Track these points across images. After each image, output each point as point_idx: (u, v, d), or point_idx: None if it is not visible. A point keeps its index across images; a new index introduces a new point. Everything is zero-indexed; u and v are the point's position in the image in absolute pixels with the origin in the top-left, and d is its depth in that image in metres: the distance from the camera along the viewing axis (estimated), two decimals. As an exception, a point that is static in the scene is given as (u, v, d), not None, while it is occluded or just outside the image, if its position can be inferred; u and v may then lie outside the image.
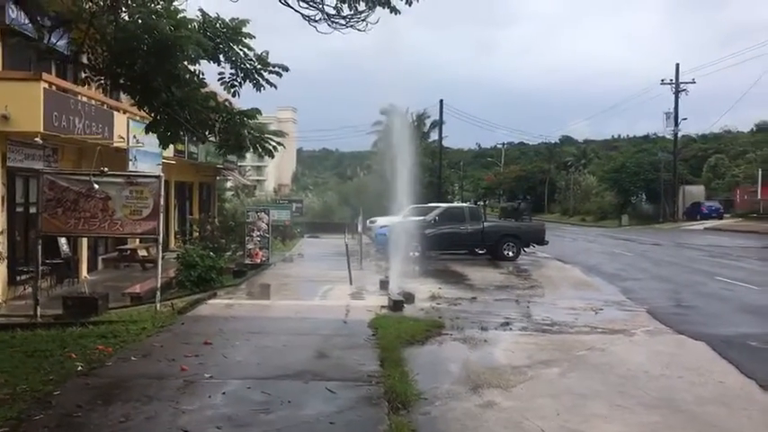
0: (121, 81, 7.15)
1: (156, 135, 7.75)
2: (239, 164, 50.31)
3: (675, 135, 54.77)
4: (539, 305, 13.33)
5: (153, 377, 7.35)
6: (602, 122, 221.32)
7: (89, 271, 19.73)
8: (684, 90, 52.43)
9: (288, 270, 19.58)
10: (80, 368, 7.69)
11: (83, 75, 7.44)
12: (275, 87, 7.93)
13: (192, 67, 7.50)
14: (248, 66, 7.85)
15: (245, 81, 7.90)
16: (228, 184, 51.31)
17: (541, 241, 23.43)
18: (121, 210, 11.47)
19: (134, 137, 19.19)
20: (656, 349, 9.39)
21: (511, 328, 10.88)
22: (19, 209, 15.82)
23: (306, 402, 6.55)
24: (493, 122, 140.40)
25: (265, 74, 7.82)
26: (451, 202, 40.33)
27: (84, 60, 7.26)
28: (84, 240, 18.32)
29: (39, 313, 11.82)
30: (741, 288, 15.82)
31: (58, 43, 7.93)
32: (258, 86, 7.83)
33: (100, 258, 21.19)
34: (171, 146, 22.66)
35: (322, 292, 14.80)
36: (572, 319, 11.76)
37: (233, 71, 7.90)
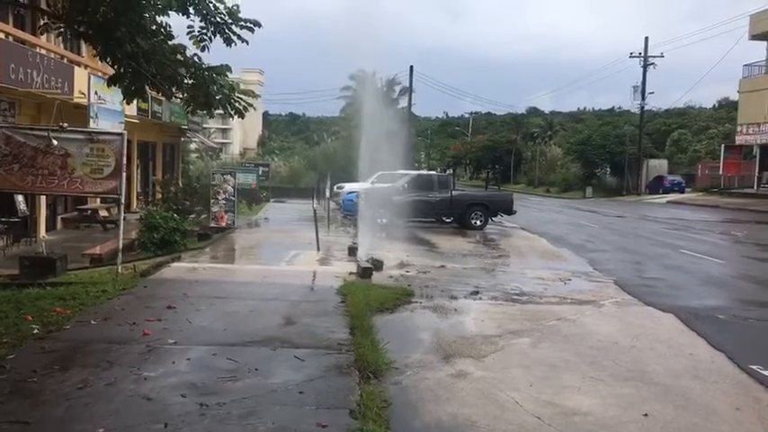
0: (82, 29, 6.71)
1: (120, 89, 7.35)
2: (204, 126, 49.40)
3: (642, 109, 55.27)
4: (507, 274, 13.30)
5: (113, 342, 7.06)
6: (568, 94, 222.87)
7: (47, 230, 19.13)
8: (653, 64, 52.78)
9: (254, 234, 19.26)
10: (36, 331, 7.36)
11: (41, 22, 6.95)
12: (247, 43, 7.56)
13: (159, 19, 7.09)
14: (219, 19, 7.45)
15: (215, 35, 7.51)
16: (193, 146, 50.35)
17: (509, 211, 23.44)
18: (81, 168, 11.00)
19: (95, 93, 18.51)
20: (626, 320, 9.40)
21: (481, 298, 10.80)
22: (-27, 164, 15.17)
23: (273, 370, 6.35)
24: (461, 90, 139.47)
25: (236, 29, 7.44)
26: (420, 170, 40.21)
27: (43, 6, 6.79)
28: (43, 199, 17.71)
29: (-7, 273, 11.36)
30: (705, 261, 16.03)
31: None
32: (229, 41, 7.44)
33: (59, 218, 20.56)
34: (134, 104, 22.30)
35: (289, 257, 14.54)
36: (541, 289, 11.74)
37: (202, 24, 7.50)
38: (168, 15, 7.15)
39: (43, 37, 18.81)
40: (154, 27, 7.01)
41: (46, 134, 10.83)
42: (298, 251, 15.30)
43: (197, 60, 7.31)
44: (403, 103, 59.02)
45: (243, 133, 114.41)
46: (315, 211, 17.50)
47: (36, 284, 10.31)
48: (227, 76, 7.36)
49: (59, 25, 6.83)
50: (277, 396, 5.63)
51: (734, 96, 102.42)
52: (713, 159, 62.31)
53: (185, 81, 7.45)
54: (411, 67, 52.82)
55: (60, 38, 20.77)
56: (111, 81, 7.12)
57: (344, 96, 67.03)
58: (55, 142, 10.76)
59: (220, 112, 7.83)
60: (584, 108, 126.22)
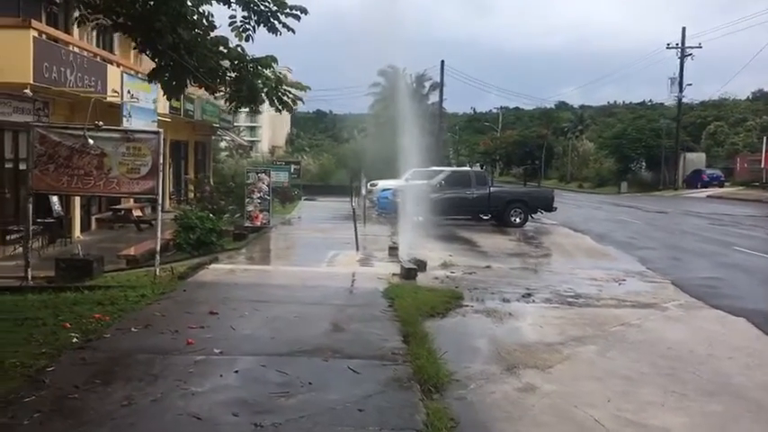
0: (121, 20, 6.31)
1: (156, 87, 6.94)
2: (234, 124, 49.24)
3: (680, 101, 53.90)
4: (557, 275, 12.70)
5: (156, 352, 6.66)
6: (598, 88, 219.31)
7: (82, 231, 18.99)
8: (690, 55, 51.41)
9: (290, 234, 18.88)
10: (75, 340, 7.00)
11: (77, 13, 6.56)
12: (293, 32, 7.09)
13: (201, 8, 6.65)
14: (263, 7, 7.00)
15: (258, 25, 7.06)
16: (222, 144, 50.26)
17: (549, 208, 22.76)
18: (118, 167, 10.66)
19: (128, 91, 18.30)
20: (695, 325, 8.78)
21: (534, 300, 10.24)
22: (8, 165, 15.02)
23: (328, 384, 5.89)
24: (489, 84, 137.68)
25: (282, 17, 6.98)
26: (452, 166, 39.58)
27: (79, -4, 6.42)
28: (77, 199, 17.55)
29: (30, 276, 11.09)
30: (762, 259, 15.25)
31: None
32: (274, 30, 6.98)
33: (93, 218, 20.43)
34: (166, 103, 22.07)
35: (328, 257, 14.09)
36: (596, 290, 11.13)
37: (245, 14, 7.05)
38: (210, 4, 6.72)
39: (76, 35, 18.66)
40: (195, 17, 6.57)
41: (81, 133, 10.50)
42: (336, 251, 14.85)
43: (240, 52, 6.86)
44: (433, 98, 58.36)
45: (271, 131, 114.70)
46: (354, 209, 16.99)
47: (73, 288, 10.01)
48: (272, 67, 6.90)
49: (96, 17, 6.44)
50: (336, 414, 5.16)
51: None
52: (751, 152, 60.70)
53: (228, 74, 7.01)
54: (442, 62, 52.18)
55: (94, 35, 20.74)
56: (152, 76, 6.71)
57: (373, 93, 66.85)
58: (91, 141, 10.43)
59: (266, 106, 7.37)
60: (615, 102, 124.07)
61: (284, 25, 7.09)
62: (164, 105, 21.70)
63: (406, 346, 7.10)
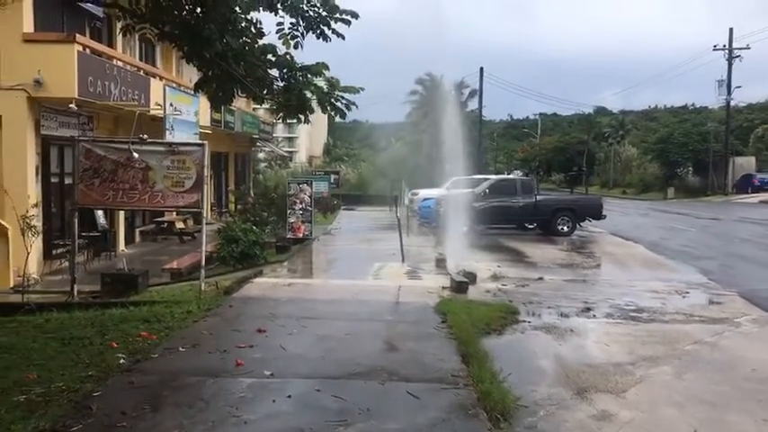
0: (167, 29, 6.06)
1: (200, 99, 6.69)
2: (273, 135, 49.41)
3: (728, 104, 52.32)
4: (615, 287, 12.10)
5: (206, 374, 6.36)
6: (637, 92, 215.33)
7: (126, 244, 19.02)
8: (738, 56, 49.90)
9: (333, 245, 18.57)
10: (122, 361, 6.74)
11: (122, 23, 6.34)
12: (343, 38, 6.76)
13: (249, 15, 6.38)
14: (312, 13, 6.69)
15: (307, 32, 6.76)
16: (260, 155, 50.46)
17: (599, 216, 22.03)
18: (163, 181, 10.48)
19: (171, 104, 18.28)
20: (775, 344, 8.17)
21: (594, 315, 9.71)
22: (54, 179, 15.05)
23: (387, 410, 5.51)
24: (526, 89, 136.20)
25: (332, 22, 6.66)
26: (493, 174, 38.86)
27: (125, 4, 6.19)
28: (121, 213, 17.54)
29: (75, 291, 10.99)
30: (832, 269, 14.41)
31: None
32: (324, 37, 6.67)
33: (137, 231, 20.49)
34: (207, 115, 22.06)
35: (374, 270, 13.72)
36: (659, 304, 10.54)
37: (293, 20, 6.75)
38: (258, 11, 6.44)
39: (119, 49, 18.75)
40: (243, 24, 6.30)
41: (126, 147, 10.36)
42: (382, 263, 14.48)
43: (289, 59, 6.55)
44: (471, 105, 57.78)
45: (309, 141, 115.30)
46: (399, 219, 16.61)
47: (119, 304, 9.84)
48: (323, 75, 6.58)
49: (142, 26, 6.21)
50: (399, 447, 4.78)
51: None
52: (803, 156, 58.72)
53: (276, 84, 6.71)
54: (481, 68, 51.68)
55: (137, 48, 20.85)
56: (198, 86, 6.45)
57: (411, 101, 66.55)
58: (136, 155, 10.28)
59: (316, 113, 7.04)
60: (656, 106, 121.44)
61: (334, 31, 6.77)
62: (205, 118, 21.71)
63: (465, 368, 6.68)
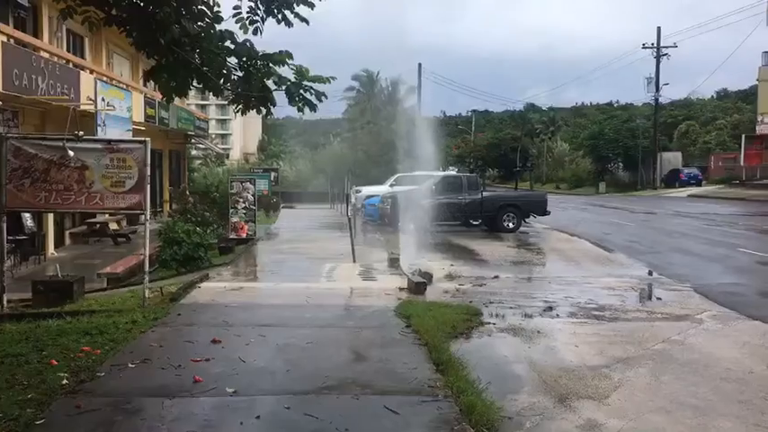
0: (115, 12, 5.43)
1: (157, 86, 6.09)
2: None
3: (657, 101, 54.06)
4: (572, 285, 12.00)
5: (162, 393, 5.77)
6: (564, 90, 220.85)
7: (56, 247, 17.92)
8: (666, 54, 51.52)
9: (279, 245, 17.95)
10: (65, 381, 6.07)
11: (62, 5, 5.66)
12: (307, 22, 6.27)
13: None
14: (272, -5, 6.17)
15: (267, 16, 6.23)
16: (193, 152, 48.95)
17: (543, 212, 22.13)
18: (101, 180, 9.70)
19: (102, 99, 17.28)
20: (741, 340, 8.12)
21: (558, 315, 9.53)
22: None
23: (368, 429, 5.09)
24: (464, 86, 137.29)
25: (294, 5, 6.16)
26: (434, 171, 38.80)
27: (64, -16, 5.52)
28: (51, 214, 16.45)
29: (5, 302, 10.08)
30: (773, 261, 14.76)
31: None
32: (286, 22, 6.16)
33: (67, 233, 19.34)
34: (141, 110, 21.04)
35: (326, 271, 13.24)
36: (618, 301, 10.46)
37: (252, 4, 6.22)
38: (213, -9, 5.87)
39: (46, 40, 17.60)
40: (199, 7, 5.73)
41: (60, 144, 9.53)
42: (333, 263, 14.02)
43: (249, 47, 6.01)
44: (408, 102, 57.63)
45: (243, 138, 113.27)
46: (349, 218, 16.14)
47: (55, 314, 9.05)
48: (286, 64, 6.06)
49: (86, 9, 5.55)
50: (389, 472, 4.36)
51: (732, 87, 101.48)
52: (724, 151, 61.19)
53: (235, 73, 6.16)
54: (419, 64, 51.68)
55: (65, 40, 19.65)
56: (149, 75, 5.83)
57: (347, 97, 65.99)
58: (71, 153, 9.47)
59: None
60: (582, 103, 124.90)
61: (297, 15, 6.26)
62: (139, 113, 20.70)
63: (441, 377, 6.32)
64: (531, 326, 8.79)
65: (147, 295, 10.04)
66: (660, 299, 10.74)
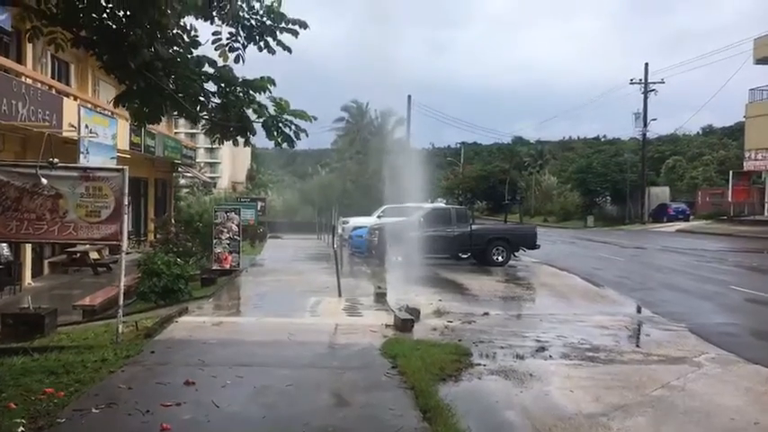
0: (84, 34, 5.10)
1: (128, 112, 5.74)
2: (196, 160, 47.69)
3: (644, 135, 54.27)
4: (564, 323, 11.62)
5: (125, 444, 5.33)
6: (552, 124, 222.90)
7: (33, 276, 17.37)
8: (654, 90, 51.93)
9: (263, 277, 17.48)
10: (21, 429, 5.61)
11: (28, 25, 5.33)
12: (290, 51, 5.97)
13: (182, 21, 5.50)
14: (254, 23, 5.87)
15: (249, 43, 5.93)
16: (181, 181, 48.51)
17: (533, 245, 21.83)
18: (75, 210, 9.29)
19: (86, 126, 16.92)
20: (743, 386, 7.75)
21: (551, 356, 9.13)
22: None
23: (348, 487, 4.66)
24: (453, 117, 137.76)
25: (278, 33, 5.86)
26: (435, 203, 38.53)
27: (32, 3, 5.17)
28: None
29: (-30, 336, 9.58)
30: (765, 299, 14.43)
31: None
32: (269, 49, 5.85)
33: (46, 262, 18.78)
34: (126, 138, 20.67)
35: (310, 305, 12.80)
36: (612, 342, 10.09)
37: (232, 30, 5.92)
38: (191, 14, 5.55)
39: (29, 65, 17.28)
40: (174, 31, 5.41)
41: (33, 171, 9.13)
42: (318, 298, 13.58)
43: (229, 73, 5.69)
44: (397, 133, 57.60)
45: (232, 167, 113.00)
46: (335, 251, 15.74)
47: (21, 350, 8.57)
48: (267, 91, 5.74)
49: (52, 30, 5.21)
50: None
51: (717, 123, 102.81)
52: (710, 186, 61.51)
53: (213, 100, 5.83)
54: (409, 96, 51.47)
55: (49, 66, 19.34)
56: (120, 100, 5.49)
57: (336, 128, 65.97)
58: (44, 181, 9.07)
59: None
60: (570, 137, 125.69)
61: (279, 43, 5.97)
62: (124, 141, 20.34)
63: (428, 426, 5.90)
64: (522, 368, 8.39)
65: (120, 330, 9.56)
66: (655, 339, 10.37)
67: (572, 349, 9.51)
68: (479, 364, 8.50)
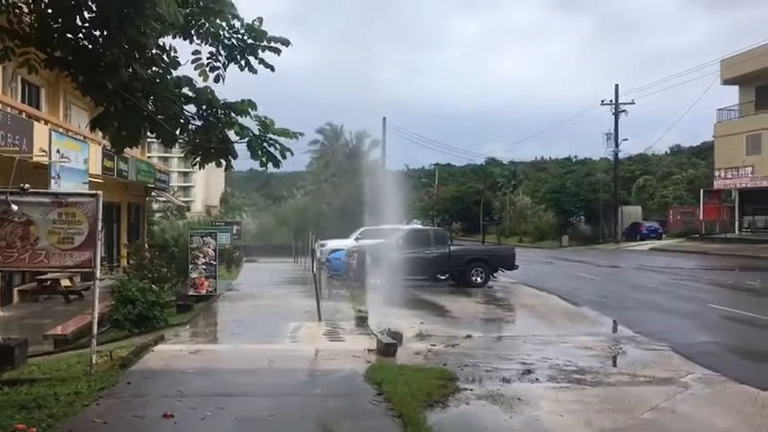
0: (59, 54, 4.91)
1: (105, 135, 5.54)
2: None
3: (616, 156, 55.01)
4: (548, 345, 11.50)
5: (101, 483, 5.06)
6: (523, 145, 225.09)
7: (2, 305, 16.86)
8: (624, 111, 52.74)
9: (240, 302, 17.16)
10: (-9, 469, 5.32)
11: (0, 46, 5.12)
12: (272, 69, 5.84)
13: (161, 41, 5.33)
14: (235, 41, 5.73)
15: (229, 62, 5.79)
16: (155, 206, 47.95)
17: (512, 266, 21.79)
18: (47, 237, 9.00)
19: (57, 151, 16.58)
20: (733, 407, 7.68)
21: (537, 378, 9.00)
22: None
23: None
24: (430, 140, 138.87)
25: (260, 51, 5.72)
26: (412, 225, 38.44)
27: (4, 23, 4.98)
28: (-3, 270, 15.46)
29: (-64, 370, 9.17)
30: (750, 318, 14.46)
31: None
32: (250, 68, 5.72)
33: (15, 290, 18.25)
34: (98, 162, 20.32)
35: (290, 330, 12.55)
36: (597, 363, 10.00)
37: (213, 49, 5.77)
38: (171, 34, 5.40)
39: (-2, 89, 16.95)
40: (153, 51, 5.25)
41: (3, 198, 8.84)
42: (297, 323, 13.33)
43: (210, 95, 5.53)
44: (372, 155, 57.67)
45: (206, 190, 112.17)
46: (315, 275, 15.53)
47: (-10, 385, 8.21)
48: (249, 114, 5.59)
49: (25, 50, 5.02)
50: None
51: (684, 143, 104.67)
52: (681, 205, 62.41)
53: (193, 122, 5.66)
54: (384, 118, 51.58)
55: (19, 90, 18.98)
56: (96, 123, 5.29)
57: (311, 150, 65.81)
58: (14, 207, 8.78)
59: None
60: (542, 157, 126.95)
61: (261, 61, 5.83)
62: (96, 166, 19.98)
63: (419, 456, 5.72)
64: (510, 392, 8.24)
65: (94, 361, 9.22)
66: (640, 359, 10.29)
67: (558, 371, 9.40)
68: (466, 389, 8.34)
